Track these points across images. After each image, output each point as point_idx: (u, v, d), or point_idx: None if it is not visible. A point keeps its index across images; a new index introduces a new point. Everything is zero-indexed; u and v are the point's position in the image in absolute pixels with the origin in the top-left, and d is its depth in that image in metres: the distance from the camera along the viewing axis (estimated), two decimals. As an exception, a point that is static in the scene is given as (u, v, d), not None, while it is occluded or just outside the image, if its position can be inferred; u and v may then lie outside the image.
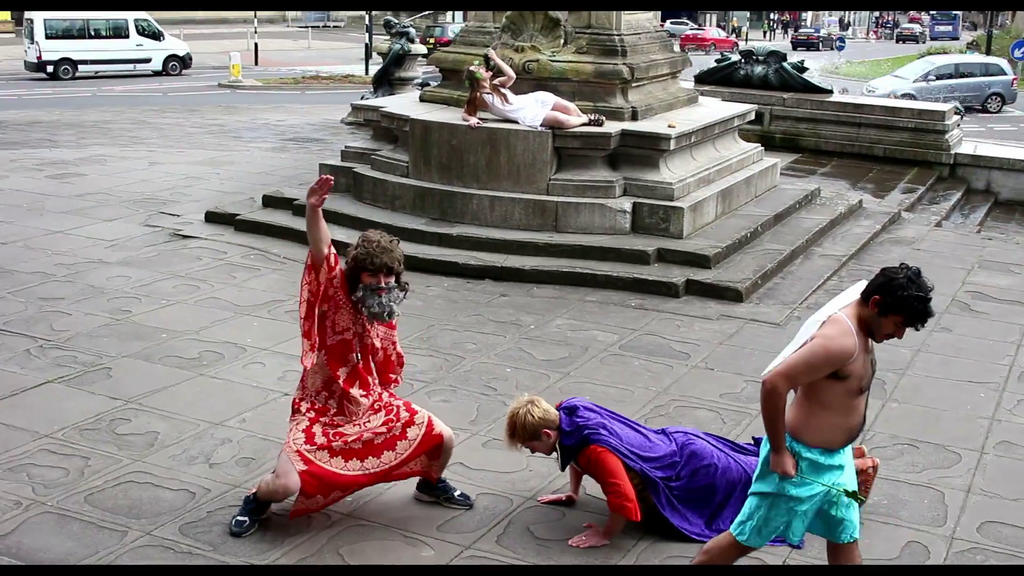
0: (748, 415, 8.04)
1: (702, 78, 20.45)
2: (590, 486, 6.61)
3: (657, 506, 6.28)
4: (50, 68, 40.09)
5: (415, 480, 6.61)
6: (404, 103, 14.69)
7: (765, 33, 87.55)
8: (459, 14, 67.28)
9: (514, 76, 12.54)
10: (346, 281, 6.10)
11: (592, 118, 12.41)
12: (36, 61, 40.56)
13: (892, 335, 4.97)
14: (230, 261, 11.88)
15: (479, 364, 9.05)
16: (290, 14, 69.20)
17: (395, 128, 13.51)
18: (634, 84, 13.06)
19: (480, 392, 8.46)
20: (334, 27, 68.43)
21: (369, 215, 12.31)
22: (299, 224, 12.67)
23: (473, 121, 12.41)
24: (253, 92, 38.54)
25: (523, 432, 6.32)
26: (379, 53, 26.64)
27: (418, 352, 9.02)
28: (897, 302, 4.87)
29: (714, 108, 14.60)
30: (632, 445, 6.34)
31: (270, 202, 13.76)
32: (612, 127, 12.41)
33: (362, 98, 23.22)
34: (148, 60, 42.80)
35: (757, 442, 6.53)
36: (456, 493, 6.65)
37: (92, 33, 41.93)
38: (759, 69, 20.12)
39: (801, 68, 20.55)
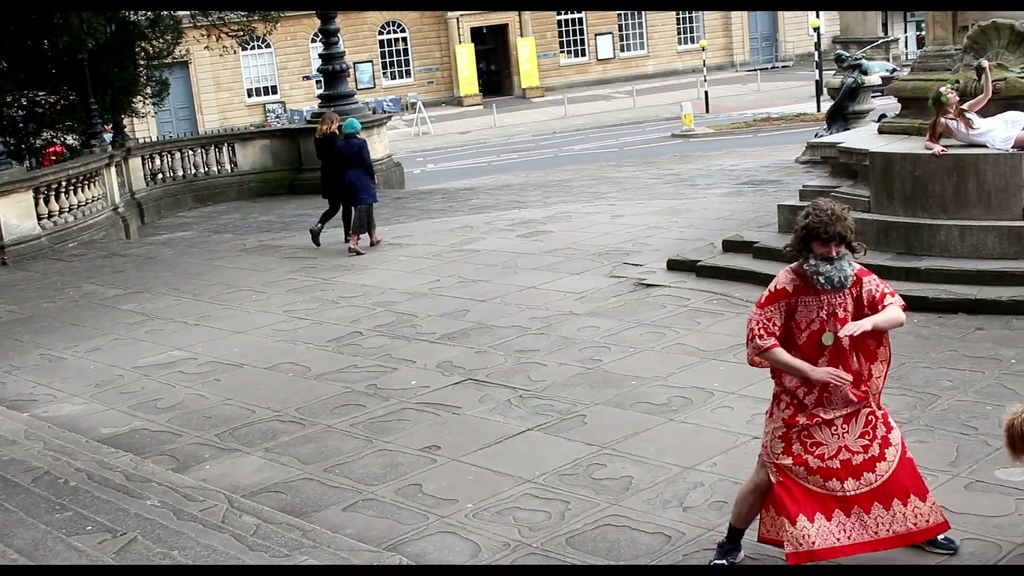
0: None
1: None
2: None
3: None
4: None
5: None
6: (862, 137, 14.35)
7: None
8: (912, 42, 64.99)
9: (991, 95, 11.90)
10: (799, 247, 6.02)
11: (1071, 134, 11.57)
12: None
13: None
14: (694, 307, 12.05)
15: (956, 402, 8.62)
16: (738, 59, 69.59)
17: (854, 163, 13.22)
18: (1116, 94, 12.06)
19: (959, 432, 8.05)
20: (782, 67, 68.08)
21: (830, 253, 12.08)
22: (760, 267, 12.67)
23: (937, 149, 11.91)
24: (705, 139, 39.11)
25: (1023, 443, 5.92)
26: (831, 88, 26.23)
27: (890, 391, 8.66)
28: None
29: None
30: None
31: (730, 247, 13.83)
32: (1095, 142, 11.52)
33: (816, 135, 22.96)
34: None
35: None
36: (940, 537, 6.35)
37: None
38: None
39: None
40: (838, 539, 6.09)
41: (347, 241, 17.35)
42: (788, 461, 6.09)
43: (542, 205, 20.83)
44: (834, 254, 5.93)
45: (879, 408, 6.24)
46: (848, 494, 6.10)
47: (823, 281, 5.96)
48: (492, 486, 7.82)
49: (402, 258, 16.25)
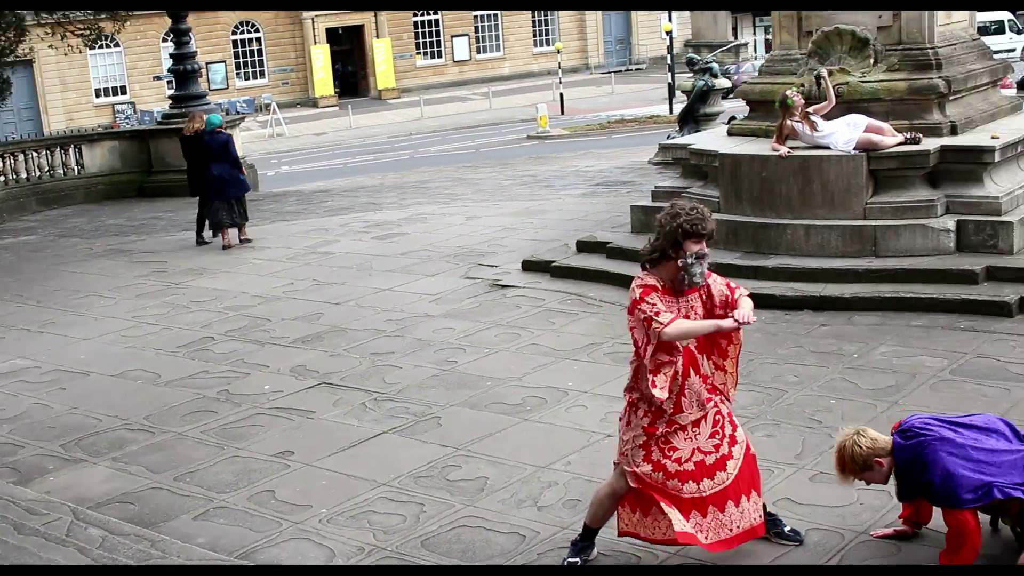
0: (1100, 438, 7.48)
1: (1025, 84, 19.37)
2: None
3: None
4: None
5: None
6: (712, 139, 14.62)
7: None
8: (761, 46, 66.63)
9: (835, 101, 12.24)
10: (668, 248, 6.04)
11: (908, 136, 11.97)
12: None
13: None
14: (548, 307, 12.13)
15: (802, 396, 8.84)
16: (592, 61, 70.33)
17: (704, 164, 13.46)
18: (951, 97, 12.50)
19: (804, 425, 8.26)
20: (636, 70, 69.05)
21: (681, 253, 12.27)
22: (613, 267, 12.83)
23: (783, 150, 12.20)
24: (561, 141, 39.40)
25: (853, 464, 6.10)
26: (683, 91, 26.68)
27: (738, 387, 8.87)
28: None
29: (1041, 114, 13.79)
30: (980, 464, 5.94)
31: (584, 247, 13.96)
32: (930, 144, 11.93)
33: (668, 137, 23.31)
34: (1013, 50, 56.76)
35: None
36: (786, 528, 6.53)
37: (980, 31, 53.54)
38: (1090, 68, 18.85)
39: None
40: (695, 537, 6.20)
41: (199, 244, 17.54)
42: (648, 468, 6.15)
43: (398, 207, 20.74)
44: (704, 250, 6.05)
45: (724, 404, 6.37)
46: (704, 494, 6.21)
47: (698, 279, 6.07)
48: (346, 490, 7.75)
49: (255, 261, 16.01)
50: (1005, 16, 63.87)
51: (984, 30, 60.86)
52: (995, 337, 9.95)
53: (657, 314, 5.96)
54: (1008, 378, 8.93)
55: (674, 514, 6.12)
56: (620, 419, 6.33)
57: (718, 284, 6.28)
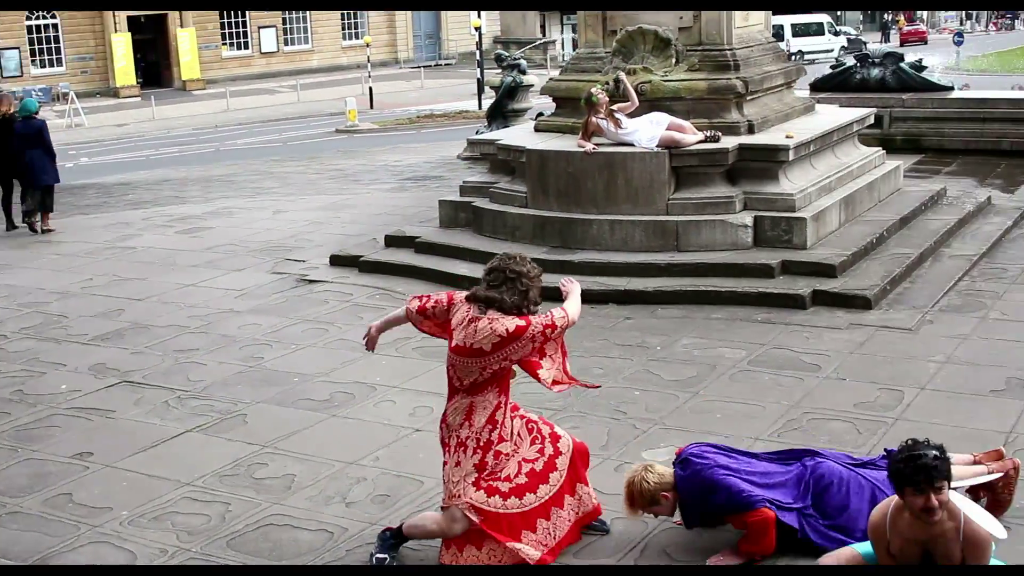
0: (884, 424, 7.87)
1: (817, 86, 20.18)
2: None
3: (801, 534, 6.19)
4: (795, 57, 54.22)
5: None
6: (519, 134, 14.75)
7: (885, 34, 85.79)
8: (568, 44, 67.66)
9: (637, 102, 12.49)
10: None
11: (708, 135, 12.31)
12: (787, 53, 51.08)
13: (925, 508, 5.11)
14: (356, 302, 12.05)
15: (607, 389, 8.99)
16: (402, 56, 70.17)
17: (512, 160, 13.57)
18: (748, 97, 12.93)
19: (610, 417, 8.42)
20: (445, 65, 69.20)
21: (490, 247, 12.32)
22: (422, 262, 12.83)
23: (589, 147, 12.40)
24: (370, 135, 39.20)
25: (641, 499, 6.33)
26: (491, 87, 26.86)
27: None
28: (895, 481, 5.24)
29: (831, 115, 14.39)
30: (756, 484, 6.23)
31: (392, 242, 13.91)
32: (729, 142, 12.31)
33: (477, 132, 23.42)
34: (831, 50, 60.94)
35: (889, 454, 6.32)
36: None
37: (802, 32, 64.97)
38: (876, 72, 19.77)
39: (920, 67, 20.18)
40: (546, 545, 6.25)
41: (9, 229, 17.40)
42: (482, 495, 6.13)
43: (203, 200, 20.30)
44: None
45: (528, 411, 6.49)
46: (544, 499, 6.28)
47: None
48: (148, 491, 7.54)
49: (52, 256, 15.43)
50: (824, 18, 68.25)
51: (805, 31, 64.55)
52: (790, 329, 10.33)
53: (551, 313, 6.10)
54: (801, 368, 9.29)
55: (524, 549, 6.14)
56: (444, 463, 6.25)
57: None
